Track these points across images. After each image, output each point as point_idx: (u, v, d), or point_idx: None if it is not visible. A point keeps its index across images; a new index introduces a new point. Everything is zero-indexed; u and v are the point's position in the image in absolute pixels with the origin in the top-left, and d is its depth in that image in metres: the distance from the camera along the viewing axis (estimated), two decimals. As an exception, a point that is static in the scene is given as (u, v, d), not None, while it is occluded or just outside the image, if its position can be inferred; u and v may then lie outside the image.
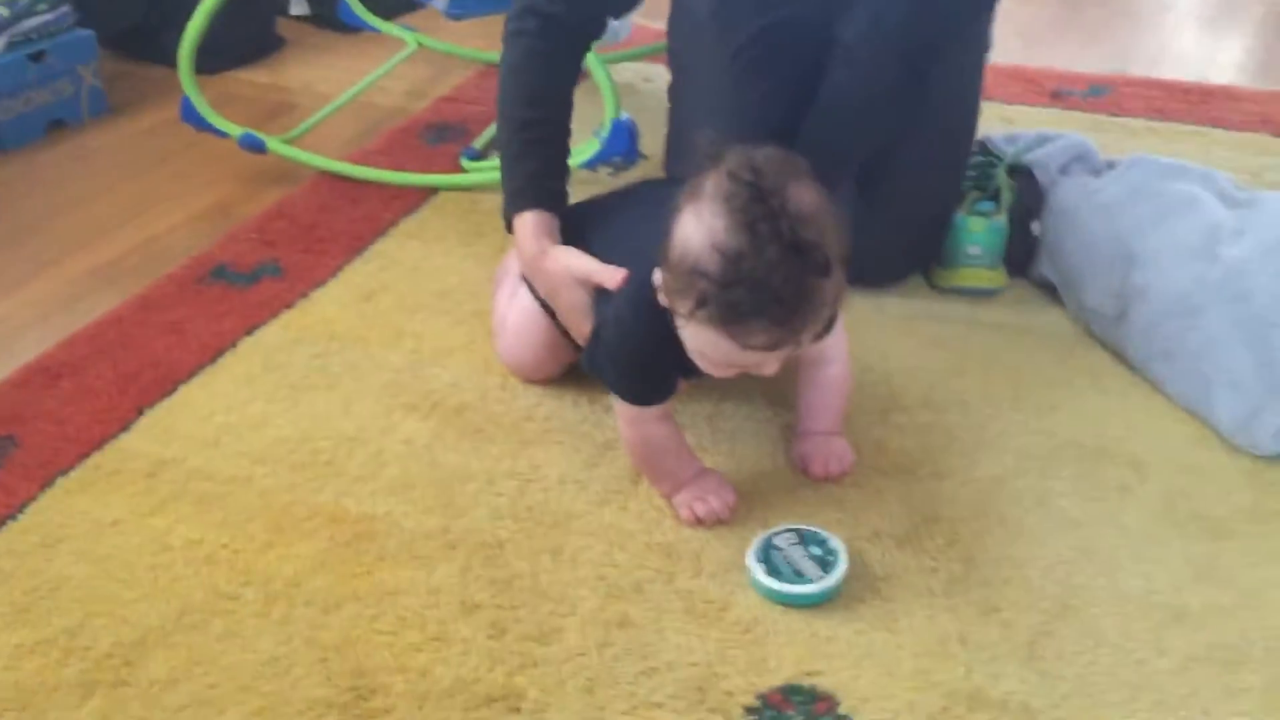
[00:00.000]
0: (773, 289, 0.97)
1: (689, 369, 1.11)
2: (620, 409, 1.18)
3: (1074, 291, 1.44)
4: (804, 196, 0.99)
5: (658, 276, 1.06)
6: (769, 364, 1.06)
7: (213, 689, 1.00)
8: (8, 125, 1.94)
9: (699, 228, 1.00)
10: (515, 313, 1.35)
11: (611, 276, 1.17)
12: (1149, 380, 1.35)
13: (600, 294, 1.19)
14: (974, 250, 1.49)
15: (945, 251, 1.51)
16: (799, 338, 1.02)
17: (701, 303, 1.00)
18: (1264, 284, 1.27)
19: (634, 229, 1.18)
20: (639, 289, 1.11)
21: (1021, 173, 1.55)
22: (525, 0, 1.31)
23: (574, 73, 1.34)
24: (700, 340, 1.04)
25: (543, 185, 1.30)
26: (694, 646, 1.03)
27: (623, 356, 1.15)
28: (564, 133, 1.33)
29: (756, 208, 0.97)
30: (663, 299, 1.06)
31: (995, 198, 1.52)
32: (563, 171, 1.32)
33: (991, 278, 1.50)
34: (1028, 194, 1.52)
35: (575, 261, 1.22)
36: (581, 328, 1.23)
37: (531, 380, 1.36)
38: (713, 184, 1.00)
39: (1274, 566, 1.11)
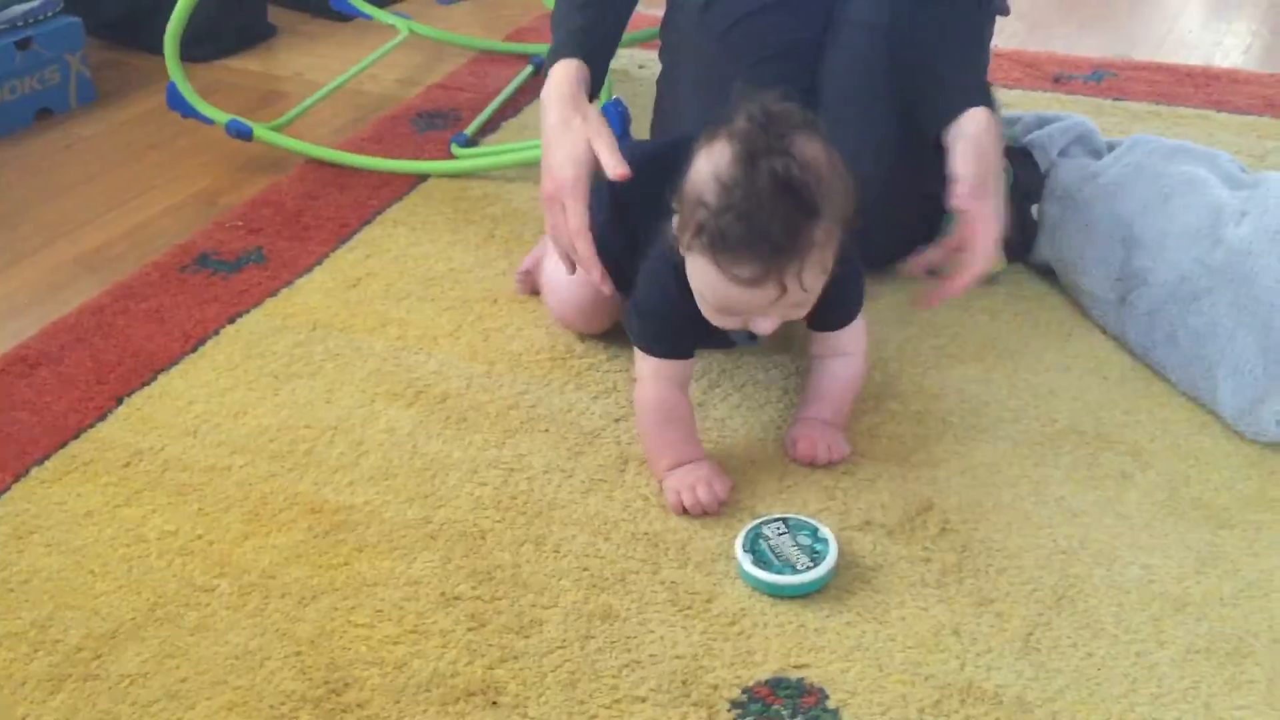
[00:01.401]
0: (760, 221, 1.00)
1: (703, 332, 1.13)
2: (639, 365, 1.18)
3: (1073, 275, 1.41)
4: (809, 147, 1.03)
5: (674, 216, 1.09)
6: (761, 315, 1.07)
7: (184, 683, 0.97)
8: (-6, 113, 1.92)
9: (708, 162, 1.04)
10: (550, 259, 1.33)
11: (613, 166, 1.18)
12: (1150, 366, 1.32)
13: (644, 250, 1.19)
14: None
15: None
16: (783, 277, 1.03)
17: (699, 231, 1.03)
18: (1268, 266, 1.24)
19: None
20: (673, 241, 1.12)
21: (1020, 155, 1.51)
22: None
23: None
24: (697, 275, 1.08)
25: (588, 41, 1.30)
26: (679, 639, 1.00)
27: (647, 304, 1.17)
28: (618, 21, 1.36)
29: (759, 141, 1.01)
30: (676, 232, 1.08)
31: None
32: (610, 45, 1.35)
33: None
34: (1027, 177, 1.49)
35: (599, 137, 1.20)
36: (560, 198, 1.20)
37: (584, 332, 1.36)
38: (728, 126, 1.05)
39: (1277, 555, 1.08)
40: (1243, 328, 1.23)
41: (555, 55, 1.29)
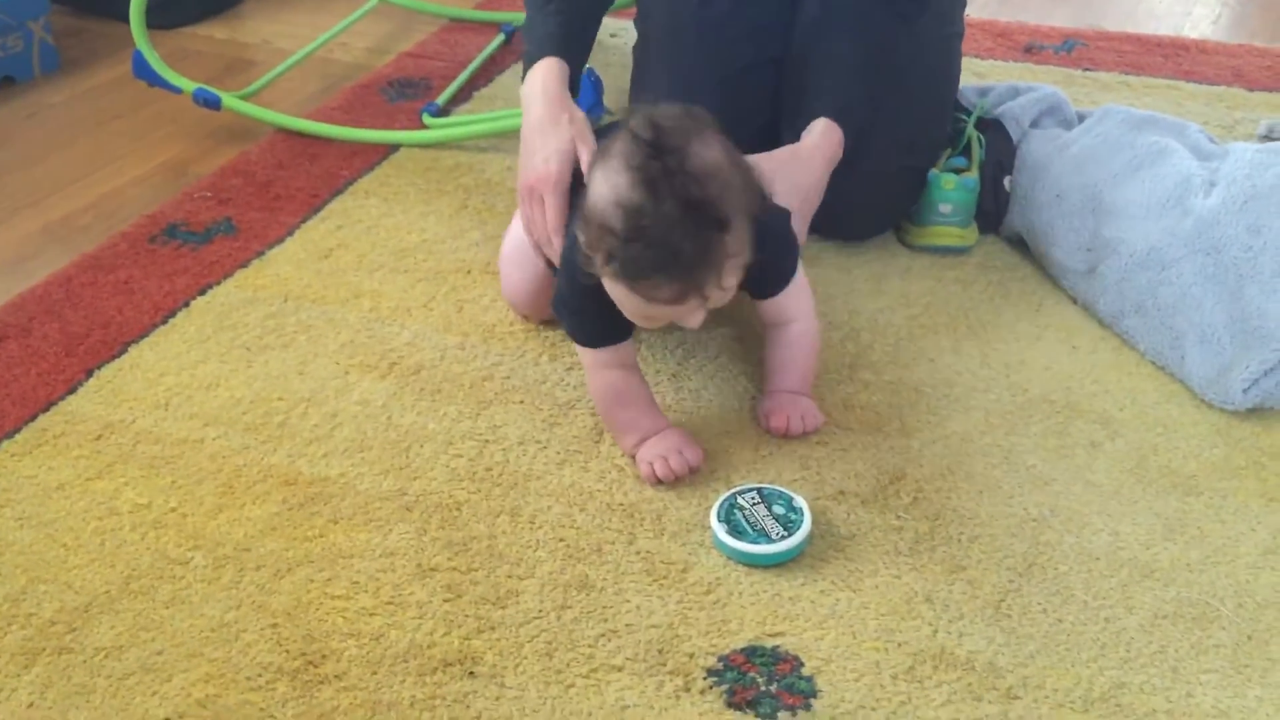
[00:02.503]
0: (671, 245, 0.99)
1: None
2: (582, 355, 1.18)
3: (1044, 246, 1.42)
4: (705, 153, 1.01)
5: (579, 231, 1.07)
6: (687, 316, 1.07)
7: (159, 656, 0.97)
8: (-45, 82, 1.89)
9: (604, 185, 1.02)
10: (507, 240, 1.34)
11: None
12: (1120, 335, 1.33)
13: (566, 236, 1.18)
14: (945, 209, 1.46)
15: (917, 209, 1.48)
16: (703, 291, 1.03)
17: (609, 258, 1.02)
18: (1235, 235, 1.25)
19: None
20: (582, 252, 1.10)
21: (993, 126, 1.52)
22: None
23: None
24: (615, 293, 1.07)
25: (567, 42, 1.29)
26: (654, 608, 1.01)
27: (572, 300, 1.16)
28: (593, 21, 1.37)
29: (654, 165, 0.99)
30: (585, 251, 1.06)
31: (967, 153, 1.49)
32: (587, 46, 1.34)
33: (963, 236, 1.48)
34: (999, 148, 1.50)
35: (584, 142, 1.20)
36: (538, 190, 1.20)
37: (533, 319, 1.35)
38: (619, 143, 1.03)
39: (1243, 522, 1.10)
40: (1210, 297, 1.25)
41: (537, 53, 1.28)
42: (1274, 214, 1.26)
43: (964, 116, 1.52)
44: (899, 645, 0.98)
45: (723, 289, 1.05)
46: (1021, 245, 1.48)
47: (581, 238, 1.06)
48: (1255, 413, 1.22)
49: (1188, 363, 1.25)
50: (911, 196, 1.47)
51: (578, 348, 1.18)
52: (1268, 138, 1.69)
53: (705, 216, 0.99)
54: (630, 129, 1.02)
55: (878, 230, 1.52)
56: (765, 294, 1.19)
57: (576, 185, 1.19)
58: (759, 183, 1.06)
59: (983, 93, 1.57)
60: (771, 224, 1.12)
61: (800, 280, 1.20)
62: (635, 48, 1.58)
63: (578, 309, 1.16)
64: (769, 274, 1.16)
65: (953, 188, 1.44)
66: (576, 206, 1.09)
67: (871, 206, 1.48)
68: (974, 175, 1.46)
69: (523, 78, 1.29)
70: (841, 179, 1.32)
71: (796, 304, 1.21)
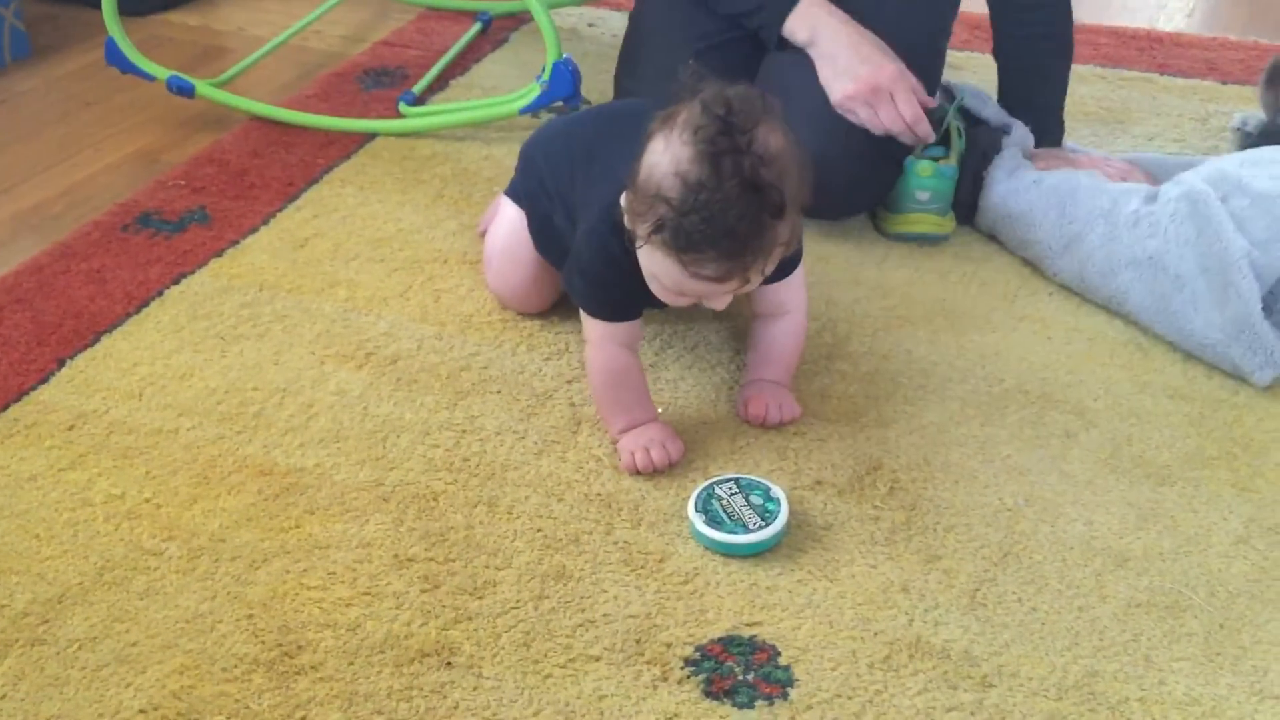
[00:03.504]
0: (727, 222, 0.99)
1: (649, 296, 1.12)
2: (588, 329, 1.17)
3: (1022, 231, 1.42)
4: (771, 138, 1.01)
5: (625, 198, 1.07)
6: (717, 297, 1.08)
7: (133, 647, 0.96)
8: (-77, 68, 1.86)
9: (666, 154, 1.02)
10: (497, 232, 1.34)
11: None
12: (1112, 295, 1.33)
13: (581, 210, 1.19)
14: (922, 196, 1.46)
15: (894, 197, 1.48)
16: (747, 274, 1.04)
17: (659, 227, 1.01)
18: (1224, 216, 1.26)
19: (612, 149, 1.16)
20: (612, 207, 1.10)
21: (976, 119, 1.52)
22: None
23: None
24: (655, 264, 1.06)
25: None
26: (632, 598, 1.01)
27: (592, 270, 1.15)
28: None
29: (723, 141, 0.99)
30: (626, 220, 1.07)
31: (946, 142, 1.50)
32: None
33: (940, 224, 1.48)
34: (986, 142, 1.50)
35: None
36: None
37: (521, 311, 1.35)
38: (686, 114, 1.02)
39: (1215, 511, 1.11)
40: (1191, 230, 1.26)
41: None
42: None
43: (945, 105, 1.52)
44: (875, 634, 0.98)
45: (764, 274, 1.06)
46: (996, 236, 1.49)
47: (627, 202, 1.06)
48: (1227, 403, 1.24)
49: (1180, 316, 1.25)
50: (887, 177, 1.47)
51: (585, 320, 1.17)
52: (1241, 130, 1.70)
53: (765, 200, 0.99)
54: (703, 101, 1.00)
55: (859, 206, 1.52)
56: (770, 279, 1.19)
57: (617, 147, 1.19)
58: (809, 177, 1.05)
59: (979, 98, 1.57)
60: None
61: (799, 274, 1.21)
62: (632, 12, 1.64)
63: (597, 279, 1.15)
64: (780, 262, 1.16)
65: (930, 175, 1.45)
66: (621, 171, 1.07)
67: (856, 167, 1.46)
68: (952, 164, 1.47)
69: (774, 22, 1.43)
70: (827, 138, 1.38)
71: (793, 296, 1.21)
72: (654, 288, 1.10)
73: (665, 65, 1.37)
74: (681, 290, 1.07)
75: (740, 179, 0.98)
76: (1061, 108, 1.53)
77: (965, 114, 1.54)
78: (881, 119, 1.39)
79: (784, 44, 1.46)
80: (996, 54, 1.53)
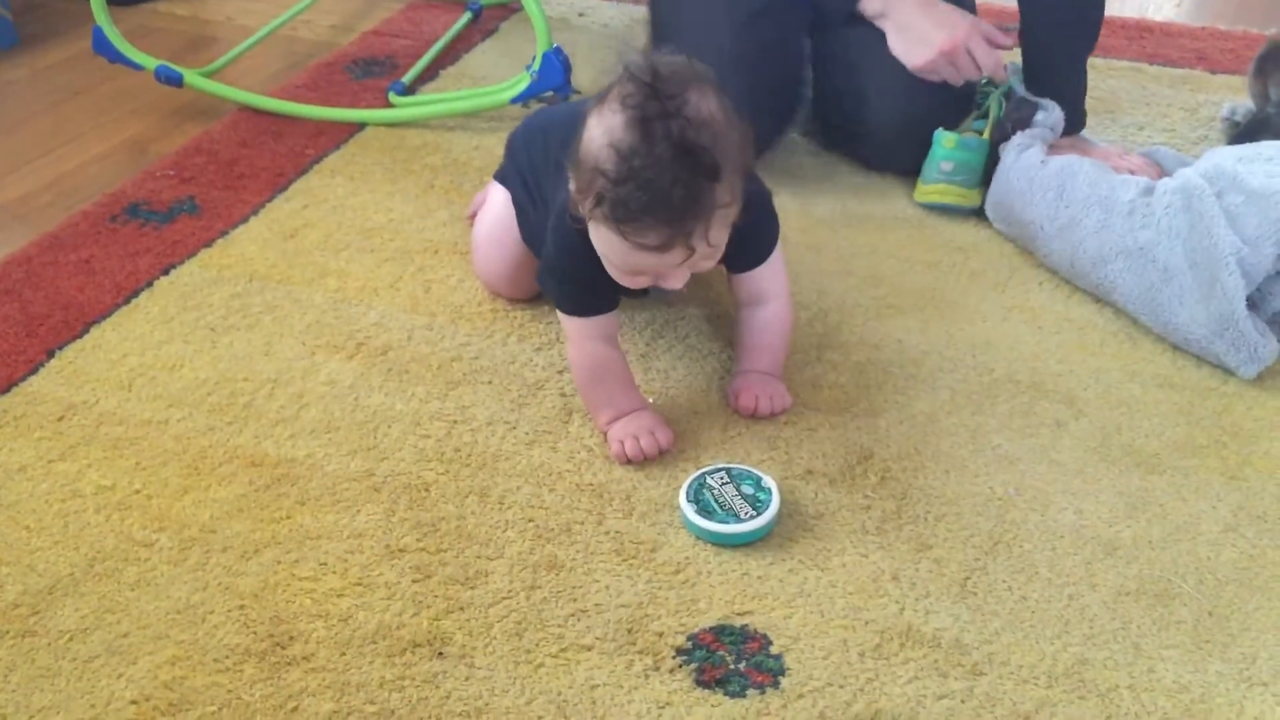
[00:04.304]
0: (662, 187, 0.99)
1: (616, 285, 1.12)
2: (565, 326, 1.18)
3: (1019, 210, 1.42)
4: (702, 103, 1.01)
5: (571, 179, 1.07)
6: (670, 274, 1.07)
7: (125, 638, 0.96)
8: (-91, 57, 1.85)
9: (599, 126, 1.02)
10: (484, 217, 1.34)
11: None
12: (1101, 284, 1.33)
13: (550, 207, 1.18)
14: (946, 166, 1.48)
15: (924, 166, 1.50)
16: (690, 241, 1.03)
17: (599, 200, 1.02)
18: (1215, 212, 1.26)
19: None
20: (570, 200, 1.10)
21: (1022, 101, 1.53)
22: None
23: None
24: (602, 242, 1.07)
25: None
26: (624, 588, 1.01)
27: (559, 266, 1.15)
28: None
29: (652, 106, 0.99)
30: (574, 202, 1.07)
31: (987, 117, 1.51)
32: None
33: (964, 195, 1.49)
34: (1014, 118, 1.50)
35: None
36: None
37: (507, 296, 1.35)
38: (616, 86, 1.03)
39: (1204, 500, 1.11)
40: (1184, 225, 1.26)
41: None
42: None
43: (990, 89, 1.54)
44: (866, 623, 0.99)
45: (710, 244, 1.04)
46: (988, 226, 1.49)
47: (572, 182, 1.05)
48: (1216, 391, 1.24)
49: (1184, 290, 1.26)
50: (967, 105, 1.56)
51: (561, 317, 1.18)
52: (1230, 120, 1.70)
53: (698, 162, 0.99)
54: (629, 70, 1.01)
55: (901, 164, 1.57)
56: (743, 266, 1.19)
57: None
58: (750, 143, 1.05)
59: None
60: (756, 194, 1.12)
61: (777, 259, 1.20)
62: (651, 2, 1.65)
63: (565, 275, 1.15)
64: (749, 244, 1.16)
65: (953, 146, 1.47)
66: (569, 154, 1.07)
67: (940, 117, 1.52)
68: (973, 135, 1.48)
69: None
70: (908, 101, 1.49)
71: (771, 283, 1.21)
72: (609, 271, 1.09)
73: (704, 40, 1.41)
74: (631, 267, 1.06)
75: (670, 142, 0.98)
76: (1083, 96, 1.54)
77: (1010, 97, 1.54)
78: (962, 73, 1.49)
79: (850, 18, 1.53)
80: (1022, 38, 1.52)
